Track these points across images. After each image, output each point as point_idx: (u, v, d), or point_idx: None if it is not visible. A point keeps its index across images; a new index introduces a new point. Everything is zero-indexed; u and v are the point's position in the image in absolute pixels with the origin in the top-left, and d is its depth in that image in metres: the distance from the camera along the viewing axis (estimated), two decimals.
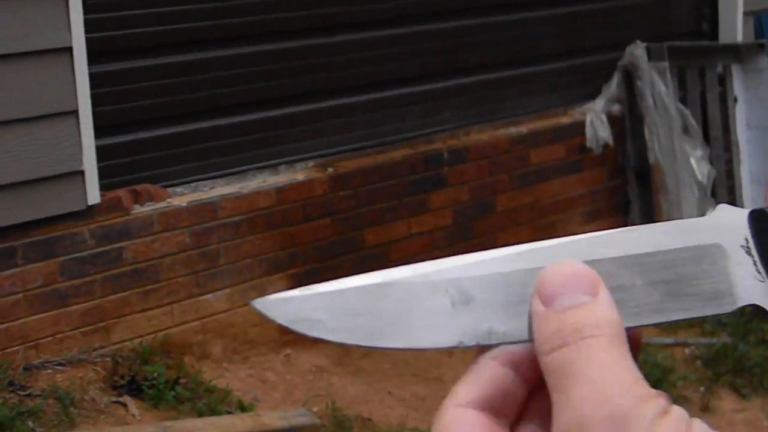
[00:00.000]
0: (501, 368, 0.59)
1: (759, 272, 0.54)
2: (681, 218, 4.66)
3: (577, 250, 0.56)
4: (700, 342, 5.26)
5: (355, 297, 0.57)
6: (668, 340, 5.27)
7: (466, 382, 0.59)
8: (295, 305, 0.57)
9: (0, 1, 3.76)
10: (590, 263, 0.55)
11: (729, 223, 0.56)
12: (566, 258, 0.56)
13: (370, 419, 4.25)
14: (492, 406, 0.58)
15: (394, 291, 0.56)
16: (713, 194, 6.00)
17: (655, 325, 0.56)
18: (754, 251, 0.54)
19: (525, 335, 0.55)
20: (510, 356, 0.59)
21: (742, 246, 0.55)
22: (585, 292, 0.55)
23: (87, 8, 3.96)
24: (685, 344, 5.28)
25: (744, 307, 0.54)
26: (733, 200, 6.17)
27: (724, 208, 0.57)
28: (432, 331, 0.56)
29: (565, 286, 0.56)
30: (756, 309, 0.54)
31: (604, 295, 0.55)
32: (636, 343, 0.58)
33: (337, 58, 4.89)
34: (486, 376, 0.59)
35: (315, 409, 4.10)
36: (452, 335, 0.56)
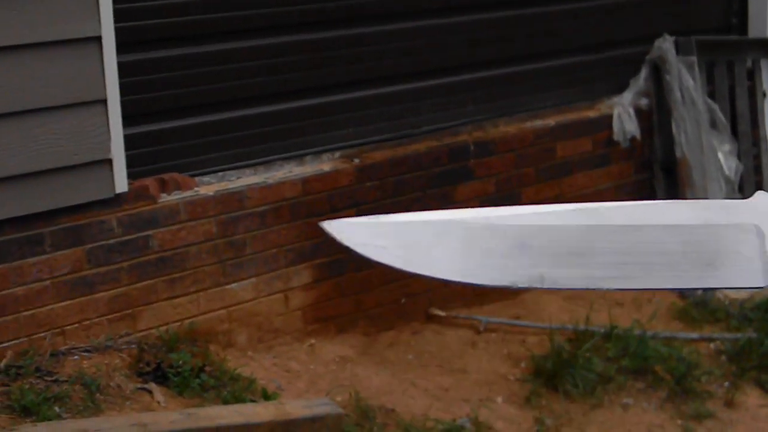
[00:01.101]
0: None
1: None
2: None
3: (627, 213, 0.60)
4: (725, 337, 5.24)
5: (421, 230, 0.59)
6: (693, 335, 5.26)
7: None
8: (365, 230, 0.61)
9: None
10: (640, 228, 0.57)
11: (766, 208, 0.59)
12: (618, 219, 0.57)
13: (393, 410, 4.26)
14: None
15: (457, 229, 0.58)
16: (740, 189, 5.97)
17: (693, 289, 0.58)
18: None
19: (575, 283, 0.56)
20: None
21: None
22: None
23: None
24: (710, 339, 5.26)
25: None
26: None
27: (762, 195, 0.62)
28: (488, 269, 0.59)
29: None
30: None
31: None
32: None
33: (364, 49, 4.90)
34: None
35: (338, 399, 4.12)
36: (507, 275, 0.59)
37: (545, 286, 0.57)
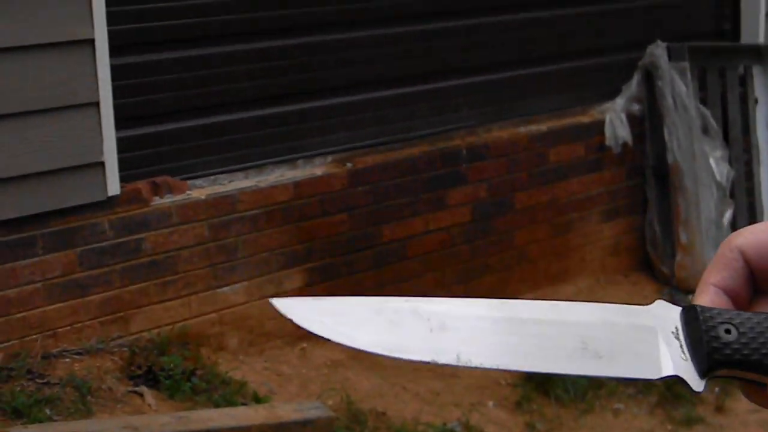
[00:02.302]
0: (739, 260, 0.65)
1: (683, 353, 0.65)
2: (699, 218, 4.68)
3: (536, 311, 0.67)
4: None
5: (356, 309, 0.67)
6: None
7: (711, 268, 0.67)
8: (307, 306, 0.67)
9: None
10: (543, 322, 0.66)
11: (664, 314, 0.67)
12: (526, 315, 0.67)
13: (384, 413, 4.26)
14: (728, 288, 0.65)
15: (387, 311, 0.66)
16: (732, 195, 5.98)
17: (592, 377, 0.67)
18: (681, 337, 0.66)
19: (486, 364, 0.65)
20: (750, 253, 0.65)
21: (672, 332, 0.66)
22: None
23: (109, 1, 3.99)
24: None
25: (666, 378, 0.66)
26: (753, 202, 6.15)
27: (662, 303, 0.67)
28: (413, 346, 0.65)
29: None
30: (678, 380, 0.65)
31: None
32: None
33: (357, 54, 4.90)
34: (722, 265, 0.66)
35: (330, 403, 4.12)
36: (428, 352, 0.65)
37: (460, 365, 0.64)
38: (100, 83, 3.98)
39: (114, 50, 4.04)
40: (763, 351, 0.63)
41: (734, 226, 5.99)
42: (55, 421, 3.64)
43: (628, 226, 5.89)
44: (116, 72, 4.06)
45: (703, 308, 0.65)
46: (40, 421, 3.59)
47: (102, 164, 4.05)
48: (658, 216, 5.87)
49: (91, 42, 3.94)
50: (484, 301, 0.67)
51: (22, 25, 3.78)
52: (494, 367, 0.65)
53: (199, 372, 4.12)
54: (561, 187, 5.55)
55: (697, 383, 0.65)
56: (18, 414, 3.63)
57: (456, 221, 5.17)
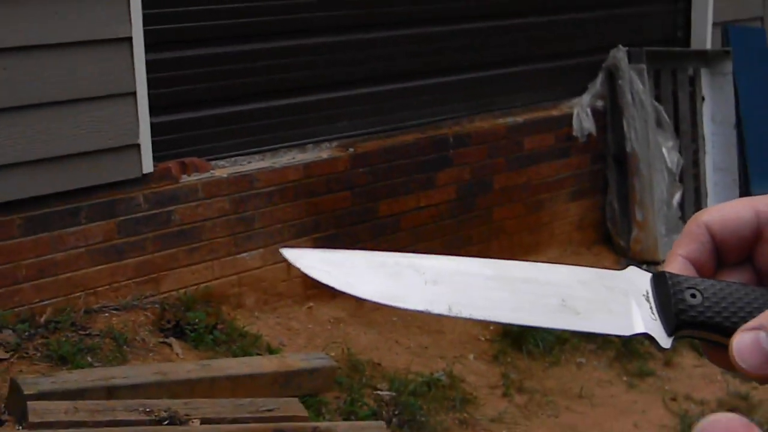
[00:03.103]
0: (705, 234, 0.64)
1: (653, 313, 0.64)
2: (652, 199, 4.68)
3: (522, 270, 0.66)
4: None
5: (359, 261, 0.65)
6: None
7: (680, 241, 0.65)
8: (315, 256, 0.66)
9: None
10: (528, 280, 0.65)
11: (636, 278, 0.66)
12: (514, 273, 0.66)
13: (379, 364, 4.27)
14: (694, 259, 0.64)
15: (388, 264, 0.65)
16: (681, 180, 5.99)
17: (570, 331, 0.65)
18: (651, 299, 0.65)
19: (475, 315, 0.64)
20: (715, 228, 0.64)
21: (642, 295, 0.65)
22: None
23: (145, 4, 3.97)
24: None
25: (637, 335, 0.65)
26: (698, 186, 6.16)
27: (634, 269, 0.67)
28: (410, 296, 0.64)
29: None
30: (647, 337, 0.64)
31: None
32: None
33: (359, 54, 4.89)
34: (690, 238, 0.65)
35: (332, 354, 4.13)
36: (423, 302, 0.64)
37: (452, 314, 0.63)
38: (137, 75, 3.97)
39: (149, 47, 4.02)
40: (724, 314, 0.62)
41: (682, 206, 6.01)
42: (96, 367, 3.64)
43: (591, 205, 5.89)
44: (151, 66, 4.05)
45: (672, 274, 0.64)
46: (83, 368, 3.59)
47: (138, 146, 4.04)
48: (617, 197, 5.87)
49: (129, 40, 3.93)
50: (476, 260, 0.66)
51: (71, 24, 3.77)
52: (482, 318, 0.64)
53: (220, 326, 4.13)
54: (534, 171, 5.55)
55: (665, 341, 0.64)
56: (63, 361, 3.63)
57: (443, 199, 5.17)
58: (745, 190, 6.31)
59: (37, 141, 3.78)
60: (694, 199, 6.16)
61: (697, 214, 0.66)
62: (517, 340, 4.67)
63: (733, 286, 0.63)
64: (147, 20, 4.00)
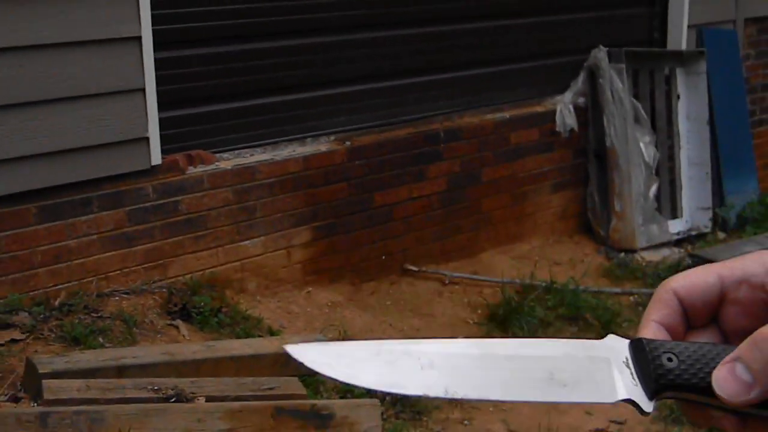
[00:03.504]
0: (674, 300, 0.65)
1: (633, 379, 0.64)
2: (630, 191, 4.67)
3: (508, 348, 0.66)
4: (642, 291, 5.26)
5: (357, 351, 0.65)
6: (617, 289, 5.28)
7: (651, 308, 0.66)
8: (316, 350, 0.65)
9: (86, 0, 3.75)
10: (515, 358, 0.65)
11: (616, 346, 0.66)
12: (500, 351, 0.65)
13: None
14: (666, 323, 0.65)
15: (383, 352, 0.64)
16: (657, 173, 5.98)
17: (554, 403, 0.66)
18: (631, 365, 0.65)
19: (469, 395, 0.64)
20: (682, 294, 0.65)
21: (623, 362, 0.65)
22: None
23: (154, 5, 3.95)
24: (630, 293, 5.28)
25: (620, 402, 0.64)
26: (673, 179, 6.15)
27: (613, 337, 0.67)
28: (407, 382, 0.63)
29: None
30: (630, 403, 0.64)
31: None
32: None
33: (356, 53, 4.87)
34: (661, 304, 0.66)
35: (330, 336, 4.11)
36: (420, 386, 0.63)
37: (448, 397, 0.63)
38: (146, 73, 3.95)
39: (157, 46, 4.00)
40: (701, 375, 0.62)
41: (658, 198, 6.00)
42: (107, 347, 3.62)
43: (573, 196, 5.88)
44: (159, 63, 4.02)
45: (648, 340, 0.64)
46: (94, 348, 3.58)
47: (147, 139, 4.02)
48: (597, 189, 5.86)
49: (138, 39, 3.90)
50: (465, 341, 0.66)
51: (84, 24, 3.75)
52: (476, 398, 0.64)
53: (224, 310, 4.11)
54: (519, 164, 5.54)
55: (647, 405, 0.64)
56: (76, 341, 3.62)
57: (434, 190, 5.16)
58: (717, 184, 6.30)
59: (51, 134, 3.76)
60: (670, 192, 6.16)
61: (665, 281, 0.66)
62: (502, 323, 4.66)
63: (705, 347, 0.63)
64: (155, 20, 3.98)
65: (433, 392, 0.63)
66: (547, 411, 4.01)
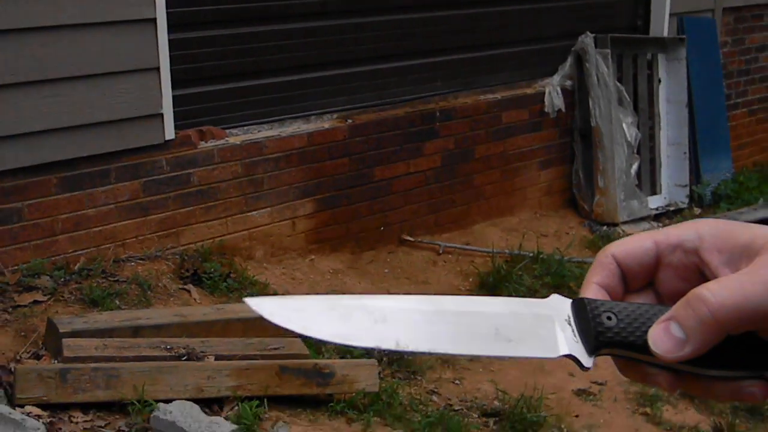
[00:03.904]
0: (613, 264, 0.65)
1: (575, 336, 0.63)
2: (613, 168, 4.65)
3: (458, 304, 0.65)
4: None
5: (314, 305, 0.63)
6: (589, 259, 5.27)
7: (592, 271, 0.66)
8: (274, 303, 0.63)
9: None
10: (464, 314, 0.64)
11: (559, 305, 0.65)
12: (450, 307, 0.64)
13: None
14: (606, 285, 0.65)
15: (338, 306, 0.63)
16: (638, 151, 5.97)
17: (498, 357, 0.64)
18: (573, 323, 0.64)
19: (420, 347, 0.62)
20: (620, 258, 0.65)
21: (565, 320, 0.64)
22: None
23: None
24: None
25: (562, 357, 0.64)
26: (653, 157, 6.14)
27: (556, 297, 0.66)
28: (360, 335, 0.62)
29: None
30: (571, 358, 0.63)
31: None
32: None
33: (358, 36, 4.85)
34: (601, 268, 0.65)
35: None
36: (372, 340, 0.62)
37: (399, 350, 0.61)
38: (160, 53, 3.93)
39: (171, 27, 3.97)
40: (637, 333, 0.62)
41: (639, 175, 6.00)
42: (123, 309, 3.62)
43: (559, 173, 5.87)
44: (173, 44, 4.00)
45: (590, 300, 0.64)
46: (111, 310, 3.58)
47: (161, 115, 4.01)
48: (582, 166, 5.85)
49: (153, 21, 3.87)
50: (416, 297, 0.65)
51: (102, 6, 3.73)
52: (426, 351, 0.62)
53: (232, 275, 4.11)
54: (510, 142, 5.52)
55: (586, 360, 0.63)
56: (94, 303, 3.62)
57: (430, 166, 5.15)
58: (694, 163, 6.30)
59: (72, 110, 3.74)
60: (650, 170, 6.15)
61: (605, 246, 0.66)
62: (492, 291, 4.66)
63: (642, 307, 0.63)
64: (169, 3, 3.94)
65: (385, 345, 0.62)
66: (533, 372, 4.02)
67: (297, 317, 0.62)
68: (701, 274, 0.63)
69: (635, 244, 0.65)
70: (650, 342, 0.60)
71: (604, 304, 0.63)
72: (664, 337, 0.59)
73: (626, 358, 0.64)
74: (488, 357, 0.63)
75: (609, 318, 0.62)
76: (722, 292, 0.58)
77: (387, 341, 0.62)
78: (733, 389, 0.62)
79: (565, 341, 0.63)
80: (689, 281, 0.63)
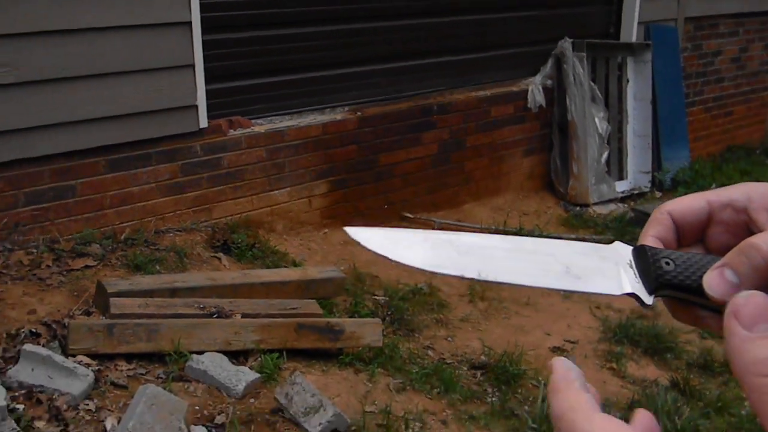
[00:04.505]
0: (669, 220, 0.63)
1: (636, 278, 0.61)
2: (586, 157, 4.60)
3: (534, 243, 0.63)
4: (593, 237, 5.24)
5: (406, 237, 0.62)
6: (572, 235, 5.25)
7: (649, 225, 0.63)
8: (371, 233, 0.62)
9: None
10: (538, 251, 0.62)
11: (622, 251, 0.63)
12: (527, 246, 0.62)
13: (377, 276, 4.25)
14: (661, 238, 0.63)
15: (429, 239, 0.61)
16: (608, 142, 5.94)
17: (569, 292, 0.62)
18: (634, 266, 0.62)
19: (499, 278, 0.60)
20: (675, 215, 0.63)
21: (627, 263, 0.62)
22: None
23: None
24: (583, 239, 5.25)
25: (625, 295, 0.61)
26: (621, 147, 6.10)
27: (619, 244, 0.64)
28: (447, 264, 0.60)
29: (762, 315, 0.48)
30: (634, 296, 0.61)
31: None
32: None
33: (366, 39, 4.81)
34: (657, 222, 0.63)
35: (342, 268, 4.10)
36: (458, 269, 0.60)
37: (481, 279, 0.59)
38: (195, 52, 3.89)
39: (205, 30, 3.94)
40: (693, 278, 0.60)
41: (608, 163, 5.96)
42: (162, 273, 3.61)
43: (539, 160, 5.83)
44: (206, 45, 3.96)
45: (650, 247, 0.62)
46: (152, 273, 3.57)
47: (195, 107, 3.98)
48: (559, 154, 5.82)
49: (189, 23, 3.84)
50: (498, 236, 0.63)
51: (147, 10, 3.69)
52: (505, 281, 0.60)
53: (256, 245, 4.10)
54: (497, 134, 5.49)
55: (647, 299, 0.61)
56: (138, 268, 3.61)
57: (428, 153, 5.12)
58: (656, 152, 6.26)
59: (118, 101, 3.72)
60: (618, 158, 6.12)
61: (662, 204, 0.64)
62: None
63: (697, 256, 0.61)
64: (203, 8, 3.91)
65: (468, 274, 0.60)
66: (515, 332, 4.01)
67: (390, 245, 0.61)
68: (749, 231, 0.61)
69: (689, 202, 0.63)
70: (705, 285, 0.58)
71: (662, 251, 0.62)
72: (719, 280, 0.57)
73: (681, 300, 0.62)
74: (560, 290, 0.61)
75: (667, 263, 0.60)
76: None
77: (470, 271, 0.60)
78: None
79: (628, 281, 0.61)
80: (738, 237, 0.61)
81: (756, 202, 0.61)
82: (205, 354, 2.96)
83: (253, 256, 4.01)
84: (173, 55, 3.82)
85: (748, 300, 0.48)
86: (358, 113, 4.73)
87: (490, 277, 0.60)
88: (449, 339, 3.88)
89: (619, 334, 4.11)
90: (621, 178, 6.08)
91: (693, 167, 6.49)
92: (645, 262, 0.61)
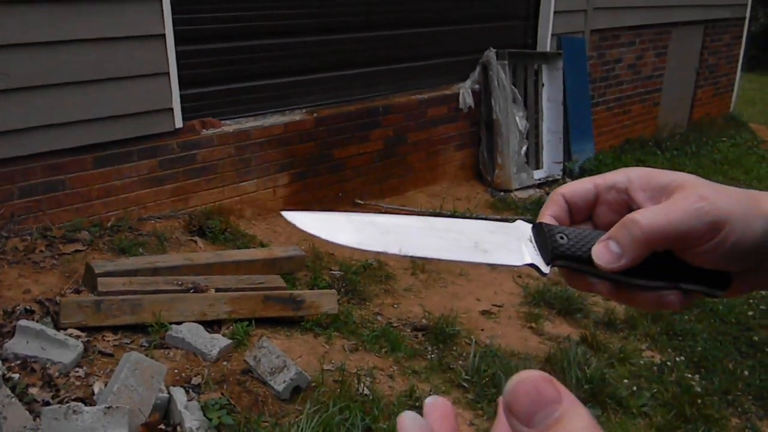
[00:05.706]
0: (562, 201, 0.62)
1: (536, 250, 0.61)
2: (508, 150, 4.62)
3: (445, 223, 0.61)
4: (516, 218, 5.27)
5: (336, 219, 0.60)
6: (498, 216, 5.28)
7: (546, 205, 0.62)
8: (306, 217, 0.60)
9: (122, 6, 3.54)
10: (443, 230, 0.60)
11: (523, 228, 0.62)
12: (439, 226, 0.60)
13: (333, 254, 4.21)
14: (556, 216, 0.62)
15: (354, 221, 0.60)
16: (526, 137, 5.98)
17: (477, 264, 0.60)
18: (533, 241, 0.61)
19: (417, 253, 0.58)
20: (567, 196, 0.62)
21: (528, 238, 0.61)
22: (553, 402, 0.37)
23: (174, 10, 3.77)
24: (507, 219, 5.28)
25: (526, 265, 0.61)
26: (537, 142, 6.15)
27: (521, 222, 0.63)
28: (370, 242, 0.59)
29: (536, 403, 0.38)
30: (533, 267, 0.60)
31: (568, 398, 0.38)
32: None
33: (320, 49, 4.74)
34: (553, 203, 0.62)
35: (303, 248, 4.06)
36: (380, 246, 0.59)
37: (401, 254, 0.58)
38: (170, 61, 3.78)
39: (178, 41, 3.83)
40: (584, 249, 0.60)
41: (527, 154, 6.00)
42: (144, 255, 3.52)
43: (469, 153, 5.85)
44: (180, 55, 3.86)
45: (547, 224, 0.62)
46: (136, 256, 3.47)
47: (172, 109, 3.87)
48: (486, 148, 5.84)
49: (163, 36, 3.72)
50: (412, 217, 0.62)
51: (127, 24, 3.57)
52: (422, 256, 0.59)
53: (228, 230, 4.02)
54: (433, 131, 5.48)
55: (545, 268, 0.61)
56: (123, 251, 3.51)
57: (375, 148, 5.09)
58: (566, 145, 6.33)
59: (103, 104, 3.59)
60: (535, 150, 6.16)
61: (557, 188, 0.64)
62: None
63: (586, 231, 0.62)
64: (176, 23, 3.80)
65: (390, 250, 0.58)
66: (450, 298, 4.02)
67: (323, 227, 0.59)
68: (630, 209, 0.61)
69: (579, 185, 0.63)
70: (593, 256, 0.58)
71: (557, 227, 0.61)
72: (604, 251, 0.57)
73: (574, 270, 0.61)
74: (469, 263, 0.59)
75: (561, 238, 0.60)
76: (650, 216, 0.56)
77: (391, 247, 0.59)
78: (656, 297, 0.59)
79: (528, 254, 0.61)
80: (620, 215, 0.61)
81: (635, 183, 0.61)
82: (183, 324, 2.89)
83: (225, 239, 3.93)
84: (150, 64, 3.71)
85: (517, 391, 0.38)
86: (315, 114, 4.66)
87: (410, 253, 0.58)
88: (395, 306, 3.87)
89: (538, 298, 4.15)
90: (538, 167, 6.13)
91: (597, 158, 6.59)
92: (543, 237, 0.61)
